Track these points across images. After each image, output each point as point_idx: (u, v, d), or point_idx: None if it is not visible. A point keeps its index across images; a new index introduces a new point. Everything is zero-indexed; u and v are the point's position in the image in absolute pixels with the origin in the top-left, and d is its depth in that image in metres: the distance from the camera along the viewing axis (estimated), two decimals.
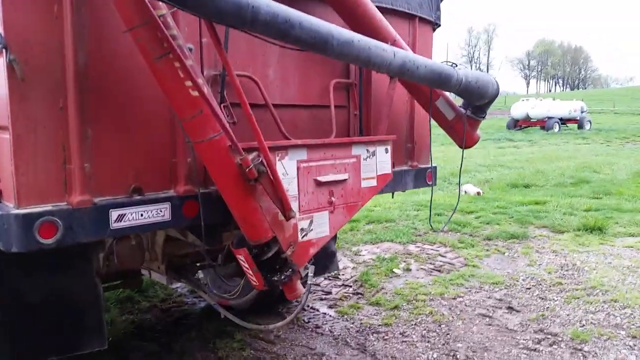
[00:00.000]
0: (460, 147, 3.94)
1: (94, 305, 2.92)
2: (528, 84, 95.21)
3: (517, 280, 5.52)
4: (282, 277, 2.68)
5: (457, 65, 3.47)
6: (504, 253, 6.49)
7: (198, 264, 3.80)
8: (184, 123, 2.38)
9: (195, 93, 2.29)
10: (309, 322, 4.64)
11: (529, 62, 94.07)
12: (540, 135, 28.16)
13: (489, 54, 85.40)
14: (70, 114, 2.28)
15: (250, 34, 2.54)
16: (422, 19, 3.99)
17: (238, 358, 3.99)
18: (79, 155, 2.31)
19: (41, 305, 2.75)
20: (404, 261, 6.17)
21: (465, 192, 10.47)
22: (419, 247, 6.82)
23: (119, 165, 2.46)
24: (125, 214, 2.42)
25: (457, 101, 3.94)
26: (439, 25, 4.21)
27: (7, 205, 2.27)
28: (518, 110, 32.79)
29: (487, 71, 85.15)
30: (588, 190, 11.26)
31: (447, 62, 3.48)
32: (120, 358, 3.97)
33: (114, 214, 2.39)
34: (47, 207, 2.23)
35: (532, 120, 32.26)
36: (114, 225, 2.39)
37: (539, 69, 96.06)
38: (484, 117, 3.90)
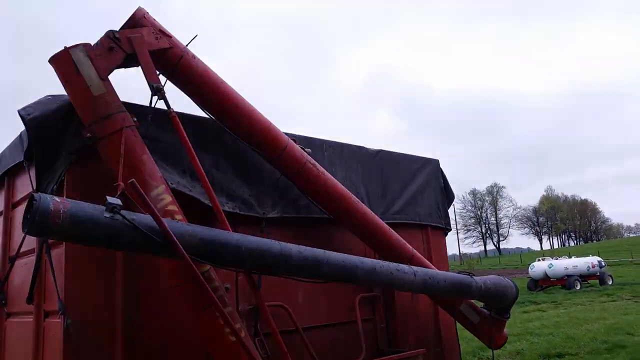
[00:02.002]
0: (490, 347, 3.93)
1: None
2: (540, 240, 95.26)
3: None
4: None
5: (473, 275, 3.64)
6: None
7: None
8: None
9: (233, 338, 2.43)
10: None
11: (537, 219, 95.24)
12: (563, 295, 27.30)
13: (496, 214, 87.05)
14: None
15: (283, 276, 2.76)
16: (433, 227, 4.33)
17: None
18: None
19: None
20: None
21: None
22: None
23: None
24: None
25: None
26: (450, 229, 4.53)
27: None
28: (536, 271, 32.39)
29: (497, 231, 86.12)
30: (625, 357, 10.54)
31: (463, 270, 3.65)
32: None
33: None
34: None
35: (551, 279, 31.67)
36: None
37: (549, 225, 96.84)
38: (508, 318, 3.95)
